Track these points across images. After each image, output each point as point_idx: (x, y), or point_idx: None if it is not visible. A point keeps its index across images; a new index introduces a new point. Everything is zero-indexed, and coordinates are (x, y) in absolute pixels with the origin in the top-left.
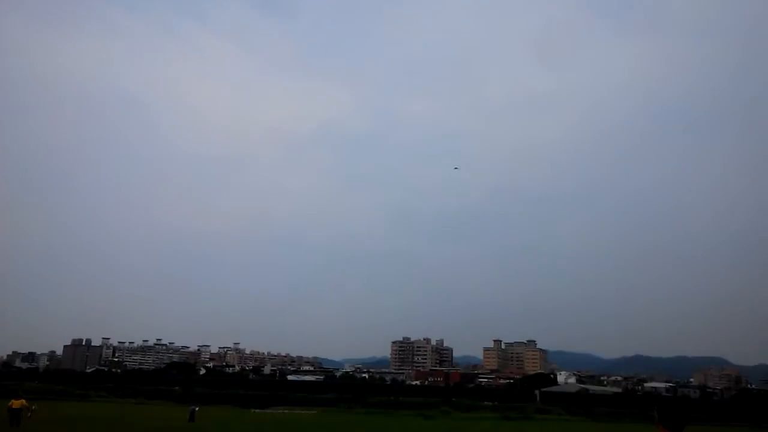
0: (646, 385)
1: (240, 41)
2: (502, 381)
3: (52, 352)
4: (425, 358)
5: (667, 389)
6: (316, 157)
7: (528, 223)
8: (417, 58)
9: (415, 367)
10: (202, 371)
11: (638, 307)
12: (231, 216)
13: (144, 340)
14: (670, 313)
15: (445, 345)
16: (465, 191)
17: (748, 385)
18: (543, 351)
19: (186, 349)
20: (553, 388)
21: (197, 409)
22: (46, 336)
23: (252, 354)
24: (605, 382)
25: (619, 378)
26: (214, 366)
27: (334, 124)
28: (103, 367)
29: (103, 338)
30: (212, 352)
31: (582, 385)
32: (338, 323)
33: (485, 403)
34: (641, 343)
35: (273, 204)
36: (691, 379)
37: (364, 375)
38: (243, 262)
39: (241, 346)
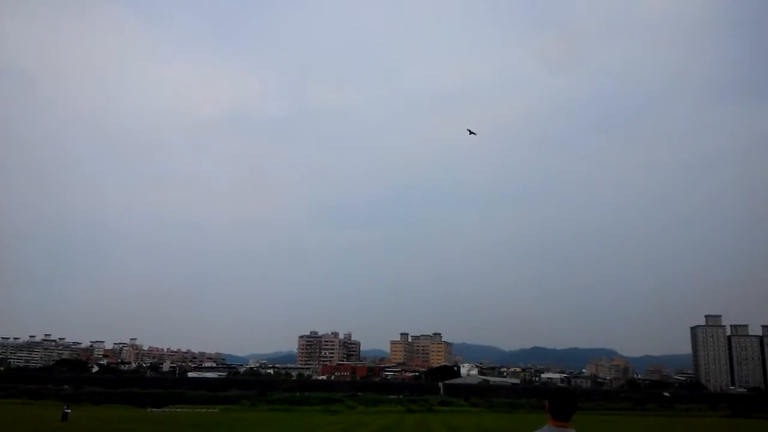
0: (542, 375)
1: (141, 14)
2: (408, 374)
3: None
4: (333, 353)
5: (561, 379)
6: (223, 144)
7: (433, 219)
8: (331, 47)
9: (322, 362)
10: (95, 369)
11: (537, 302)
12: (129, 205)
13: (31, 336)
14: (565, 308)
15: (353, 339)
16: (374, 184)
17: (635, 375)
18: (448, 344)
19: (77, 346)
20: (456, 380)
21: (69, 410)
22: None
23: (150, 350)
24: (505, 374)
25: (518, 369)
26: (108, 363)
27: (244, 109)
28: None
29: None
30: (106, 348)
31: (483, 377)
32: (243, 318)
33: (391, 396)
34: (539, 335)
35: (174, 193)
36: (584, 370)
37: (269, 370)
38: (142, 255)
39: (138, 342)
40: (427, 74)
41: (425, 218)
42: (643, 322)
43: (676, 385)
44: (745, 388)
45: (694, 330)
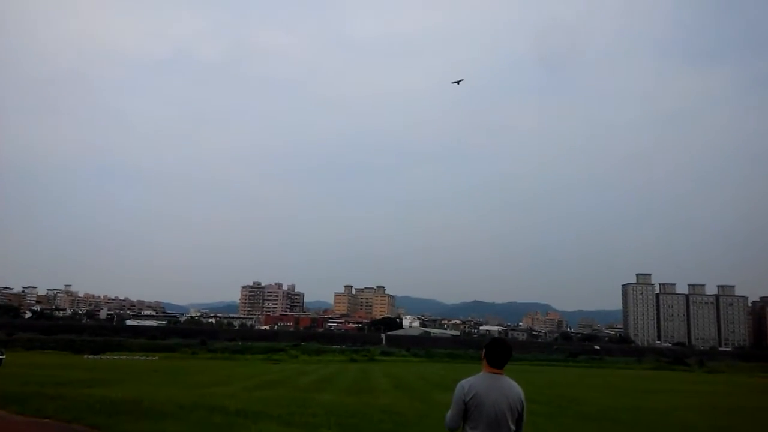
0: (481, 328)
1: None
2: (351, 325)
3: None
4: (276, 304)
5: (499, 332)
6: (166, 85)
7: (383, 170)
8: None
9: (265, 312)
10: (28, 315)
11: (478, 256)
12: (64, 144)
13: None
14: (504, 263)
15: (296, 290)
16: (321, 132)
17: (568, 329)
18: (391, 297)
19: (8, 291)
20: (398, 332)
21: (3, 356)
22: None
23: (86, 297)
24: (446, 326)
25: (458, 322)
26: (41, 310)
27: (187, 50)
28: None
29: None
30: (40, 294)
31: (425, 329)
32: (184, 267)
33: (334, 346)
34: (479, 290)
35: (112, 133)
36: (520, 323)
37: (210, 320)
38: (78, 197)
39: (73, 289)
40: (378, 19)
41: (376, 169)
42: (577, 278)
43: (606, 339)
44: (670, 343)
45: (625, 287)
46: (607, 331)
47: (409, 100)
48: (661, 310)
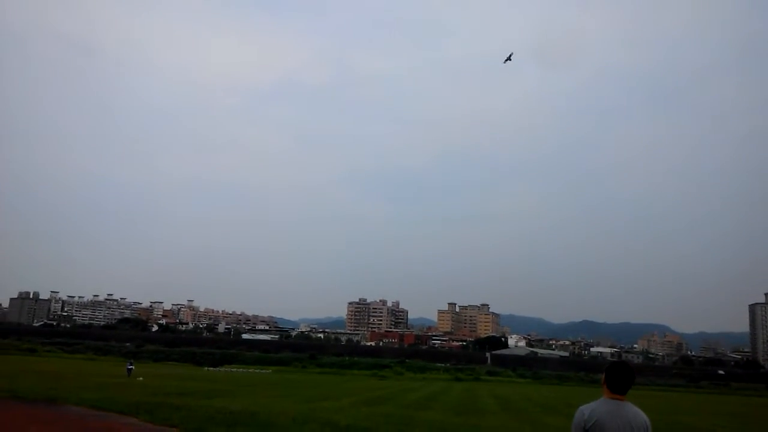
0: (592, 349)
1: None
2: (455, 343)
3: None
4: (381, 320)
5: (611, 354)
6: (275, 111)
7: (483, 189)
8: (379, 13)
9: (370, 328)
10: (155, 328)
11: (587, 275)
12: (183, 169)
13: (94, 295)
14: (617, 282)
15: (400, 307)
16: (418, 153)
17: (688, 352)
18: (495, 315)
19: (138, 305)
20: (504, 351)
21: (132, 366)
22: None
23: (206, 312)
24: (554, 346)
25: (567, 342)
26: (166, 323)
27: (294, 76)
28: (51, 322)
29: (52, 292)
30: (165, 308)
31: (531, 349)
32: (295, 283)
33: (438, 364)
34: (589, 309)
35: (228, 160)
36: (635, 345)
37: (319, 335)
38: (199, 218)
39: (195, 304)
40: (470, 41)
41: (470, 186)
42: (698, 298)
43: (732, 363)
44: None
45: (752, 307)
46: (732, 355)
47: (499, 116)
48: None
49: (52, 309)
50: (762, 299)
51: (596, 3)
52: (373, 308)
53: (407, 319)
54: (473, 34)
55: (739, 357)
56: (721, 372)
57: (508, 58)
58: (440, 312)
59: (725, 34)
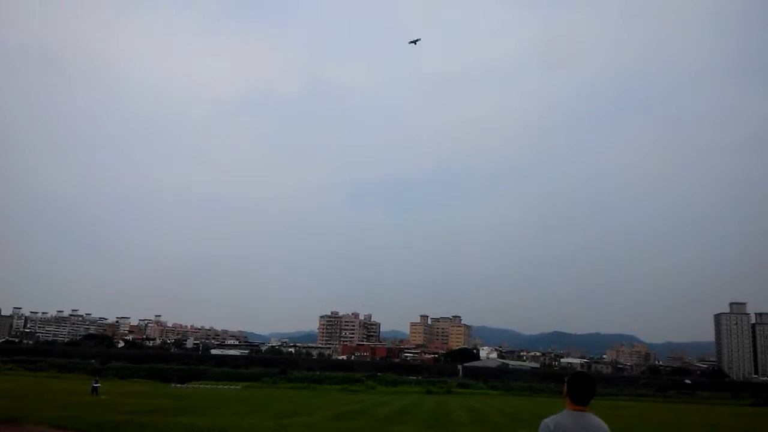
0: (562, 360)
1: None
2: (427, 356)
3: None
4: (353, 333)
5: (581, 364)
6: (246, 121)
7: (454, 201)
8: (350, 24)
9: (342, 342)
10: (121, 344)
11: (558, 287)
12: (152, 182)
13: (59, 311)
14: (587, 293)
15: (372, 320)
16: (391, 163)
17: (656, 362)
18: (467, 327)
19: (104, 321)
20: (475, 363)
21: (98, 384)
22: None
23: (174, 327)
24: (525, 357)
25: (538, 353)
26: (133, 339)
27: (266, 86)
28: (13, 339)
29: (14, 308)
30: (132, 324)
31: (503, 360)
32: (265, 296)
33: (410, 377)
34: (559, 320)
35: (197, 170)
36: (605, 355)
37: (290, 349)
38: (167, 232)
39: (162, 319)
40: (445, 53)
41: (443, 199)
42: (665, 308)
43: (698, 372)
44: None
45: (717, 317)
46: (698, 364)
47: (476, 129)
48: (758, 342)
49: (14, 325)
50: (727, 309)
51: (590, 10)
52: (345, 321)
53: (379, 332)
54: (447, 46)
55: (705, 366)
56: (687, 381)
57: (414, 42)
58: (413, 324)
59: (726, 38)
